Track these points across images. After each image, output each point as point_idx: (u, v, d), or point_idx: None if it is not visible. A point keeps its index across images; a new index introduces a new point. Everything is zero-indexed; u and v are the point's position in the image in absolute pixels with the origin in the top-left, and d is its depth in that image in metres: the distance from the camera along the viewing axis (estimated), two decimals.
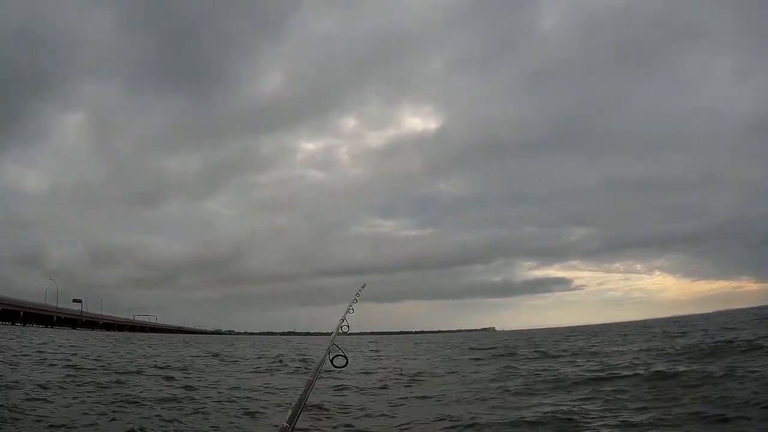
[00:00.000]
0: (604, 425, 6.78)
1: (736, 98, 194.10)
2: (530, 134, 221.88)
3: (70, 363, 15.28)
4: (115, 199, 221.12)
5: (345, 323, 5.07)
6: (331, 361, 3.60)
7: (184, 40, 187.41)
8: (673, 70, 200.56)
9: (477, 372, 14.46)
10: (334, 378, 12.02)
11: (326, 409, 8.64)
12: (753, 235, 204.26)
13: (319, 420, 7.91)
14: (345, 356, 3.60)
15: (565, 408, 7.91)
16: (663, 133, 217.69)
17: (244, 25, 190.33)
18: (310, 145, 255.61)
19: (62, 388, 10.09)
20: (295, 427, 2.37)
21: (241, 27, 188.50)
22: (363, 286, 6.50)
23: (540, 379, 11.66)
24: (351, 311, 5.42)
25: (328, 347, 3.76)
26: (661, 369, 11.06)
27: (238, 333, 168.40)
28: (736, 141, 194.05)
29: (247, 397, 10.11)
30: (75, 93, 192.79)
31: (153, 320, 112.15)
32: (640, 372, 10.97)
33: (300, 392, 2.71)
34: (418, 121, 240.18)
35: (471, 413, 7.94)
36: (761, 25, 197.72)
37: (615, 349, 19.35)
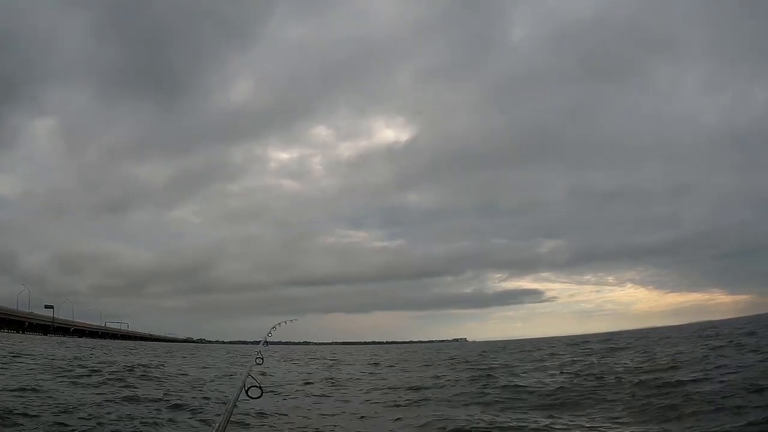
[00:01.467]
0: None
1: (707, 109, 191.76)
2: (501, 145, 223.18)
3: None
4: (85, 207, 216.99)
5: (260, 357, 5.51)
6: (247, 392, 3.64)
7: (155, 47, 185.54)
8: (645, 81, 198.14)
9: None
10: None
11: None
12: (724, 246, 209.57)
13: None
14: (260, 387, 3.69)
15: None
16: (634, 144, 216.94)
17: (215, 33, 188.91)
18: (283, 155, 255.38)
19: None
20: None
21: (211, 35, 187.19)
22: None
23: None
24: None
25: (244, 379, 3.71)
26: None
27: (210, 341, 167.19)
28: (708, 151, 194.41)
29: None
30: (45, 99, 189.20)
31: (124, 327, 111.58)
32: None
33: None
34: (389, 131, 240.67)
35: None
36: (732, 37, 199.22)
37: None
